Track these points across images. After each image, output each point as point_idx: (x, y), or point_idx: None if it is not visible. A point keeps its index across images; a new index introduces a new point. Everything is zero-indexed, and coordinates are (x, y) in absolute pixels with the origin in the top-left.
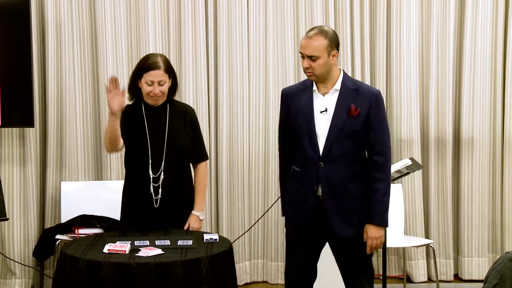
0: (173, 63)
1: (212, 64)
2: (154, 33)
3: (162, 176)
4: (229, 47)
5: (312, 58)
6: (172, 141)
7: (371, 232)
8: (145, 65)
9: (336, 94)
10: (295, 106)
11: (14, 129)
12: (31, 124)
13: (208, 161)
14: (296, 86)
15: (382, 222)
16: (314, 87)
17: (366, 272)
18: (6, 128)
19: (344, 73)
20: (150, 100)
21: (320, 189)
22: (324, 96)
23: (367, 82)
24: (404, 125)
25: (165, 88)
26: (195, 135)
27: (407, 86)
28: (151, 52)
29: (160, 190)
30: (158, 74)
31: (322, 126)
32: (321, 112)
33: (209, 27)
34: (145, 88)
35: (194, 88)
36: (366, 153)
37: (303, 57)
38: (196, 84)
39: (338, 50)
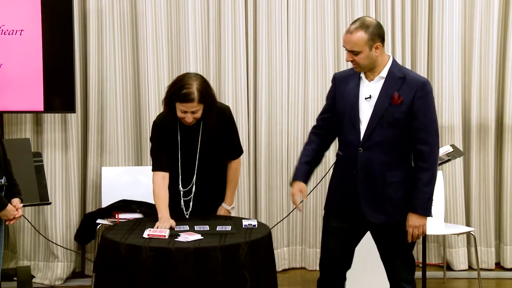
0: (212, 51)
1: (252, 53)
2: (194, 20)
3: (194, 189)
4: (268, 37)
5: (353, 52)
6: (205, 154)
7: (412, 220)
8: (179, 95)
9: (382, 82)
10: (342, 90)
11: (56, 114)
12: (72, 110)
13: (242, 154)
14: (346, 71)
15: (424, 211)
16: (362, 74)
17: (404, 260)
18: (48, 114)
19: (393, 61)
20: (183, 122)
21: (358, 175)
22: (370, 82)
23: (408, 68)
24: (445, 111)
25: (199, 114)
26: (230, 133)
27: (449, 72)
28: (190, 41)
29: (191, 204)
30: (191, 106)
31: (365, 112)
32: (365, 98)
33: (248, 15)
34: (179, 113)
35: (233, 76)
36: (412, 142)
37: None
38: (235, 73)
39: (382, 42)
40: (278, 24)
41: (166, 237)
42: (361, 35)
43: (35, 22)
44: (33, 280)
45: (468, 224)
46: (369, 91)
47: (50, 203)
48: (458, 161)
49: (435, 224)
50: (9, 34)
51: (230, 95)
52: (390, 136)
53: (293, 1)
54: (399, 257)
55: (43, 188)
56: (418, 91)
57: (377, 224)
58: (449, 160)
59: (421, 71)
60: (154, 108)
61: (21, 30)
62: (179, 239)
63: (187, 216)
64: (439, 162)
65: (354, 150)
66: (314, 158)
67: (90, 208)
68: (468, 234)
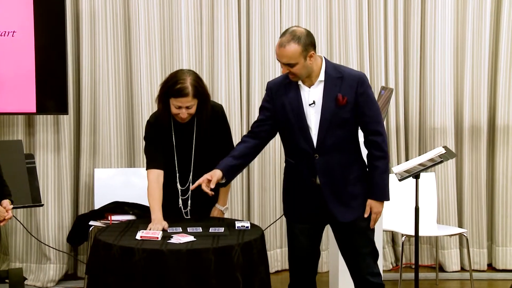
0: (205, 51)
1: (245, 51)
2: (187, 21)
3: (191, 186)
4: (261, 36)
5: (290, 65)
6: (200, 152)
7: (375, 207)
8: (173, 91)
9: (321, 85)
10: (281, 100)
11: (48, 116)
12: (65, 111)
13: None
14: (280, 79)
15: (384, 197)
16: (299, 81)
17: (371, 253)
18: (41, 116)
19: (326, 61)
20: (178, 119)
21: (318, 180)
22: (310, 88)
23: (401, 69)
24: (437, 113)
25: (193, 110)
26: (223, 132)
27: (441, 74)
28: (183, 42)
29: (189, 202)
30: (185, 101)
31: (313, 118)
32: (309, 105)
33: (241, 15)
34: (173, 109)
35: (226, 76)
36: (363, 135)
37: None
38: (228, 72)
39: (315, 49)
40: (271, 23)
41: (159, 239)
42: (294, 48)
43: (28, 24)
44: (25, 282)
45: (460, 225)
46: (312, 97)
47: (42, 205)
48: (451, 163)
49: (428, 226)
50: (1, 35)
51: (223, 96)
52: (342, 137)
53: (286, 4)
54: (366, 251)
55: (35, 189)
56: (359, 87)
57: (347, 222)
58: (441, 161)
59: (414, 73)
60: (147, 109)
61: (13, 32)
62: (172, 240)
63: (186, 216)
64: (431, 163)
65: (310, 157)
66: (244, 153)
67: (82, 210)
68: (461, 235)
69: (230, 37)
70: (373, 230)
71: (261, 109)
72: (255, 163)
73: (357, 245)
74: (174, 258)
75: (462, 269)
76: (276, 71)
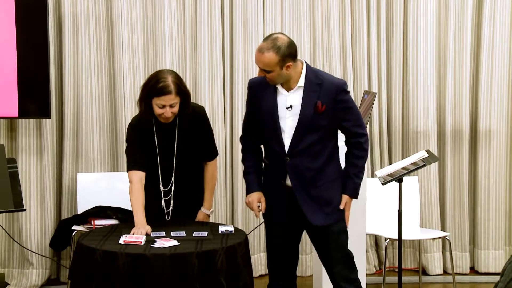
0: (188, 54)
1: (228, 54)
2: (170, 24)
3: (173, 188)
4: (244, 39)
5: (265, 70)
6: (182, 153)
7: (349, 203)
8: (155, 90)
9: (301, 91)
10: (259, 101)
11: (31, 120)
12: (47, 115)
13: (217, 156)
14: (261, 78)
15: (356, 194)
16: (277, 85)
17: (344, 258)
18: (23, 120)
19: (307, 67)
20: (161, 120)
21: (288, 181)
22: (288, 92)
23: (383, 74)
24: (420, 117)
25: (176, 108)
26: (205, 134)
27: (424, 78)
28: (166, 45)
29: (171, 202)
30: (169, 99)
31: (288, 122)
32: (286, 108)
33: (224, 17)
34: (156, 110)
35: (210, 79)
36: (344, 137)
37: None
38: (211, 75)
39: (294, 60)
40: (254, 26)
41: (142, 243)
42: (271, 57)
43: (9, 26)
44: (7, 287)
45: (443, 229)
46: (290, 101)
47: (24, 210)
48: (433, 167)
49: (411, 229)
50: None
51: (206, 98)
52: (315, 141)
53: (269, 7)
54: (338, 256)
55: (18, 194)
56: (337, 95)
57: (320, 226)
58: (424, 165)
59: (396, 77)
60: (130, 113)
61: None
62: (156, 245)
63: (169, 217)
64: (414, 167)
65: (281, 159)
66: (258, 164)
67: (65, 215)
68: (443, 239)
69: (213, 39)
70: (346, 234)
71: (246, 107)
72: (239, 167)
73: (329, 250)
74: (157, 262)
75: (445, 272)
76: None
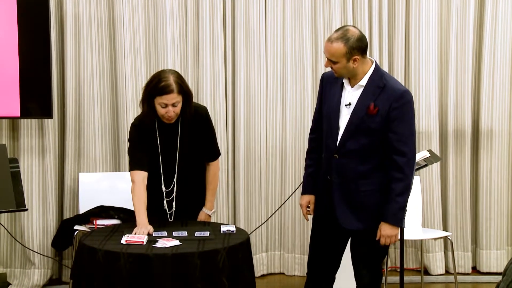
0: (190, 54)
1: (230, 54)
2: (172, 24)
3: (175, 189)
4: (246, 42)
5: (331, 61)
6: (184, 153)
7: (384, 230)
8: (157, 89)
9: (361, 90)
10: (327, 93)
11: (33, 120)
12: (49, 115)
13: (220, 157)
14: (333, 72)
15: (395, 221)
16: (344, 79)
17: (370, 270)
18: (25, 120)
19: (375, 68)
20: (164, 120)
21: (332, 178)
22: (351, 89)
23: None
24: (422, 117)
25: (179, 108)
26: (208, 134)
27: (426, 78)
28: (168, 45)
29: (174, 203)
30: (171, 98)
31: (344, 119)
32: (345, 105)
33: (226, 17)
34: (159, 110)
35: (212, 79)
36: (387, 152)
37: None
38: (213, 75)
39: (363, 54)
40: (256, 27)
41: (144, 243)
42: (339, 47)
43: (11, 27)
44: (9, 287)
45: (445, 228)
46: (349, 99)
47: (26, 210)
48: (435, 166)
49: (413, 229)
50: None
51: (208, 97)
52: (365, 145)
53: (271, 7)
54: (366, 266)
55: (20, 194)
56: (394, 102)
57: (351, 230)
58: (426, 165)
59: (399, 77)
60: (132, 113)
61: None
62: (157, 245)
63: (171, 218)
64: (416, 167)
65: (331, 155)
66: (317, 165)
67: (67, 214)
68: (445, 238)
69: (215, 38)
70: (370, 250)
71: (318, 99)
72: (241, 167)
73: (360, 257)
74: (159, 262)
75: (447, 272)
76: (261, 72)
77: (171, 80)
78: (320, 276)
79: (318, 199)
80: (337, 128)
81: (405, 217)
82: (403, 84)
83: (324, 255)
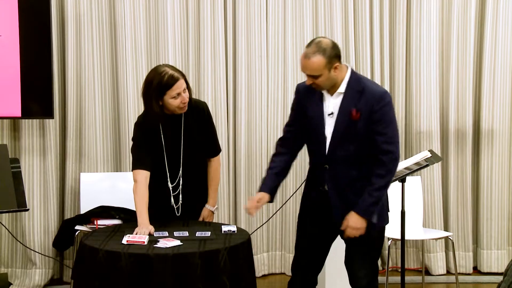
0: (191, 54)
1: (231, 53)
2: (173, 24)
3: (181, 182)
4: (248, 40)
5: (313, 76)
6: (188, 148)
7: (351, 220)
8: (164, 84)
9: (341, 97)
10: (307, 104)
11: (34, 120)
12: (51, 115)
13: (221, 153)
14: None
15: (365, 213)
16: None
17: (367, 267)
18: (26, 120)
19: (351, 73)
20: (179, 110)
21: (326, 187)
22: (331, 97)
23: (386, 74)
24: (423, 117)
25: (188, 92)
26: (209, 130)
27: (427, 78)
28: (169, 45)
29: (180, 197)
30: (180, 84)
31: (329, 128)
32: (328, 114)
33: (227, 17)
34: (173, 102)
35: (213, 79)
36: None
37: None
38: (214, 75)
39: (340, 60)
40: (257, 26)
41: (145, 243)
42: (319, 60)
43: (13, 27)
44: (11, 287)
45: (446, 229)
46: (331, 107)
47: (28, 210)
48: (436, 166)
49: (414, 229)
50: None
51: (209, 96)
52: (353, 151)
53: (272, 7)
54: (363, 266)
55: (21, 194)
56: (375, 104)
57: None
58: (427, 165)
59: (400, 77)
60: (133, 113)
61: None
62: (158, 245)
63: (178, 212)
64: (417, 167)
65: (321, 166)
66: (284, 168)
67: (68, 215)
68: (446, 238)
69: (216, 38)
70: (373, 248)
71: (291, 110)
72: (242, 167)
73: (349, 256)
74: (160, 262)
75: (448, 272)
76: (262, 72)
77: (170, 70)
78: (305, 276)
79: (312, 208)
80: (324, 138)
81: (389, 214)
82: (404, 84)
83: (310, 255)
